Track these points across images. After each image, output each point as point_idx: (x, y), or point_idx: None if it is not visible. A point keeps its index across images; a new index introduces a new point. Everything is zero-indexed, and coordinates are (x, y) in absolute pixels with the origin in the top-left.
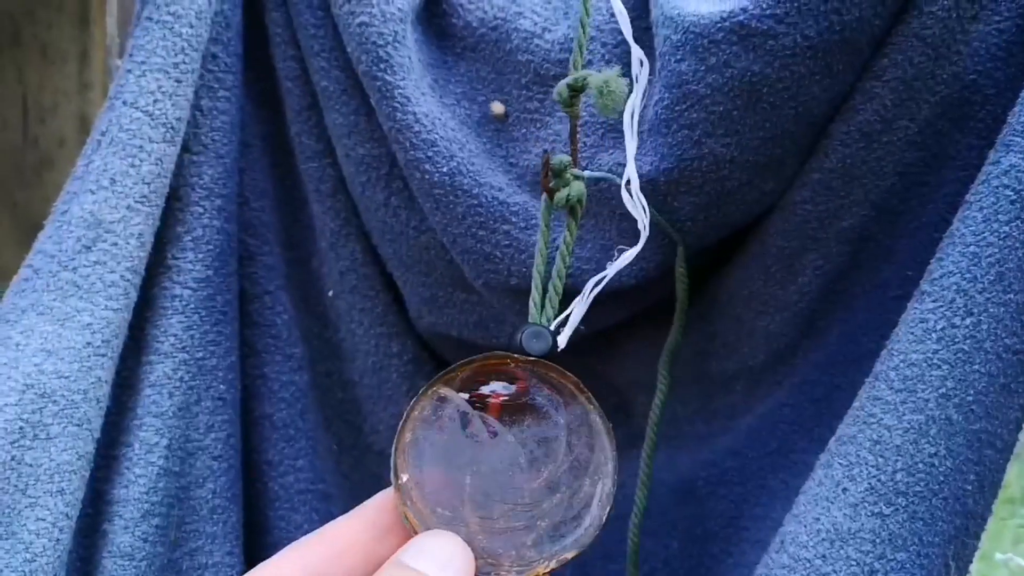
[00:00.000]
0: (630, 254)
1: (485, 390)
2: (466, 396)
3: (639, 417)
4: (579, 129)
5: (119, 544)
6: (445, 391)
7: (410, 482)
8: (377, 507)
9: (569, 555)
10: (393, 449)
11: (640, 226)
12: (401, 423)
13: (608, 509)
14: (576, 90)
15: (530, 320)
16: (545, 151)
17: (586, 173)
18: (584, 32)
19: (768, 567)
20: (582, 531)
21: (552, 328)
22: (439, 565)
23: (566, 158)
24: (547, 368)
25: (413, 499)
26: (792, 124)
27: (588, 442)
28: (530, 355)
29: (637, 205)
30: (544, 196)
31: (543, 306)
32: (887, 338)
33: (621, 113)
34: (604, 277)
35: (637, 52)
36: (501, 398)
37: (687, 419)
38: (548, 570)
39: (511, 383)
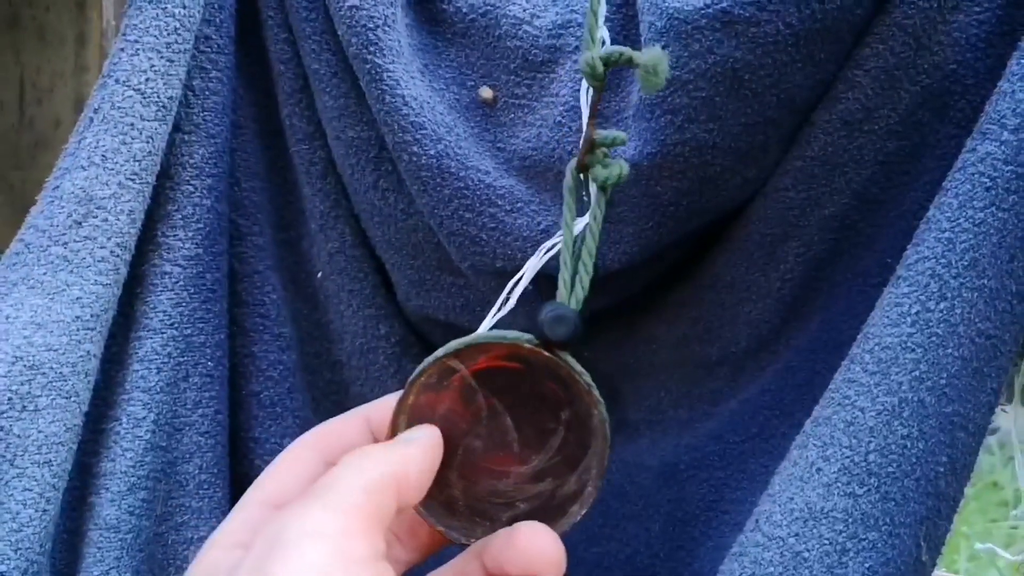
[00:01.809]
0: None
1: (493, 366)
2: (474, 371)
3: (625, 404)
4: (568, 113)
5: (105, 516)
6: (454, 363)
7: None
8: (380, 409)
9: None
10: (397, 405)
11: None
12: (407, 385)
13: (587, 510)
14: (608, 64)
15: (558, 299)
16: (591, 127)
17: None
18: (598, 6)
19: (743, 545)
20: (557, 523)
21: (579, 310)
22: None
23: (618, 134)
24: (559, 362)
25: None
26: (774, 111)
27: (584, 441)
28: (551, 340)
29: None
30: (572, 168)
31: (572, 286)
32: None
33: (663, 94)
34: (546, 252)
35: (602, 32)
36: (512, 377)
37: (671, 404)
38: None
39: (520, 365)
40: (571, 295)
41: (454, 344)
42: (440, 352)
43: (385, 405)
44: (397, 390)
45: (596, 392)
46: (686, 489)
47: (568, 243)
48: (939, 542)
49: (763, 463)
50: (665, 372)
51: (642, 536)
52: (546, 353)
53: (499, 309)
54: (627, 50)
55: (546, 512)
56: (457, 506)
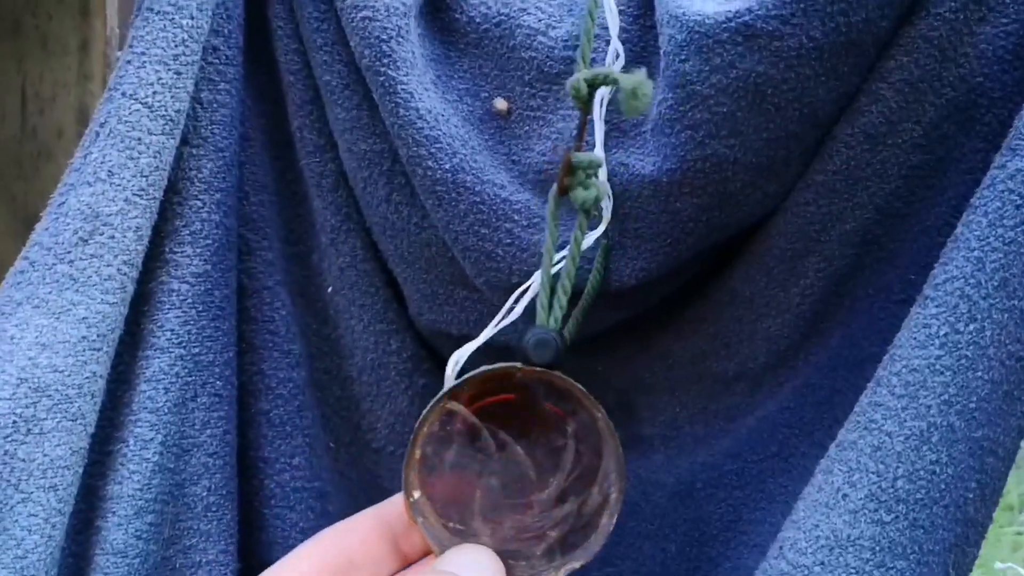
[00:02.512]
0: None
1: (492, 400)
2: (473, 408)
3: (641, 419)
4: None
5: (112, 541)
6: (453, 405)
7: (422, 498)
8: (394, 508)
9: (577, 564)
10: (404, 466)
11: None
12: (411, 439)
13: (615, 517)
14: (594, 86)
15: (537, 323)
16: (567, 148)
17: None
18: (591, 25)
19: (766, 572)
20: (591, 540)
21: (559, 331)
22: (474, 574)
23: (595, 157)
24: (551, 377)
25: (425, 515)
26: (797, 126)
27: (596, 449)
28: (535, 364)
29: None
30: (554, 193)
31: (551, 307)
32: (889, 342)
33: (644, 115)
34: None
35: (615, 45)
36: (509, 408)
37: (686, 420)
38: None
39: (516, 394)
40: (549, 317)
41: (447, 387)
42: (437, 397)
43: (399, 503)
44: (408, 406)
45: (592, 398)
46: (703, 508)
47: (547, 265)
48: (967, 569)
49: (782, 483)
50: (681, 387)
51: (658, 556)
52: (538, 369)
53: (499, 323)
54: (612, 71)
55: (577, 534)
56: None
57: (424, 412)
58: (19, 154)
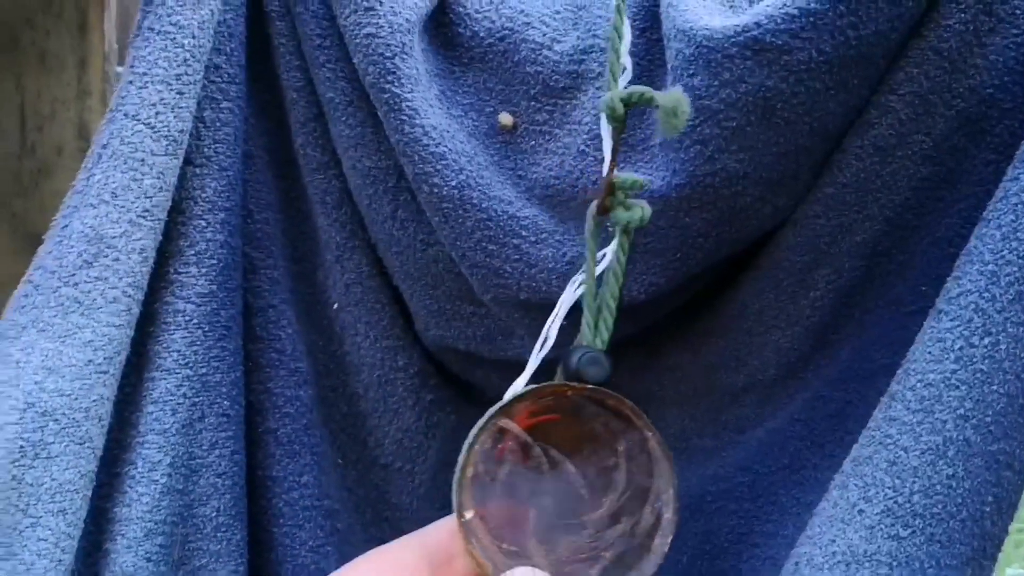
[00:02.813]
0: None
1: (543, 418)
2: (525, 426)
3: None
4: (591, 141)
5: (122, 564)
6: (504, 423)
7: (475, 519)
8: (438, 535)
9: None
10: (455, 485)
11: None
12: (463, 458)
13: (670, 537)
14: (629, 105)
15: (584, 343)
16: (611, 169)
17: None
18: (619, 43)
19: None
20: (646, 560)
21: (606, 351)
22: None
23: (638, 178)
24: (604, 395)
25: (479, 536)
26: (807, 139)
27: (647, 468)
28: (587, 382)
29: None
30: (592, 213)
31: (596, 327)
32: (901, 353)
33: (690, 128)
34: (579, 285)
35: (625, 60)
36: (558, 427)
37: (696, 433)
38: None
39: (566, 413)
40: (596, 336)
41: (499, 404)
42: (488, 415)
43: (442, 528)
44: (415, 421)
45: (645, 416)
46: (714, 521)
47: (591, 287)
48: None
49: (794, 495)
50: (690, 400)
51: (670, 569)
52: (589, 387)
53: (540, 348)
54: (648, 90)
55: (631, 555)
56: None
57: (474, 430)
58: (18, 171)
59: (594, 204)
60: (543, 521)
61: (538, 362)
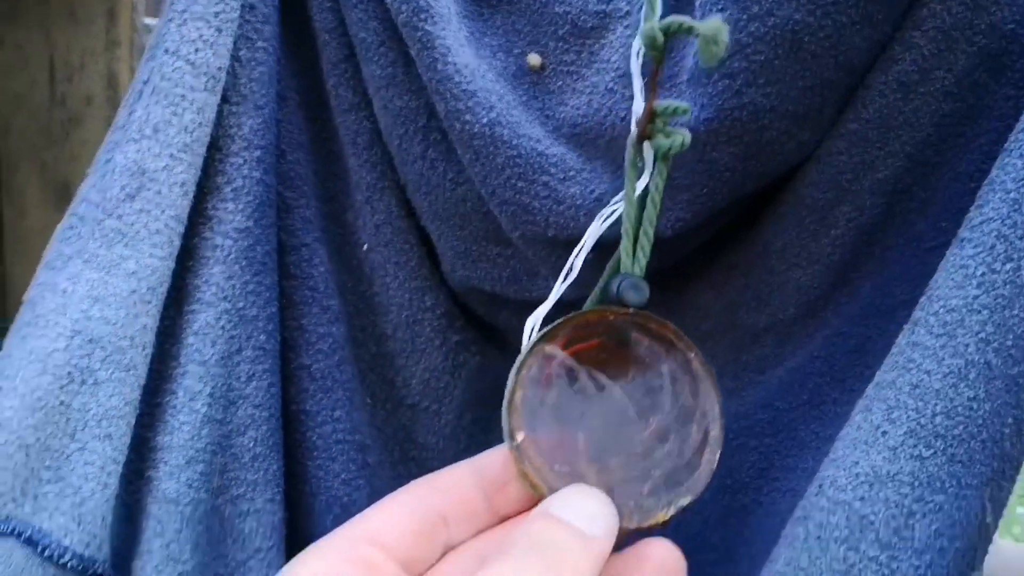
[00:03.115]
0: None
1: (587, 344)
2: (570, 351)
3: None
4: (619, 80)
5: (164, 490)
6: (550, 348)
7: (526, 441)
8: (491, 462)
9: (685, 501)
10: (505, 409)
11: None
12: (511, 383)
13: (719, 452)
14: (669, 34)
15: (623, 270)
16: (652, 97)
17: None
18: None
19: (806, 510)
20: (695, 477)
21: (644, 277)
22: (588, 518)
23: (680, 104)
24: (646, 318)
25: (530, 457)
26: (832, 73)
27: (692, 388)
28: (628, 306)
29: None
30: (633, 140)
31: (635, 254)
32: (921, 289)
33: (720, 62)
34: (605, 219)
35: None
36: (601, 353)
37: (716, 373)
38: (668, 517)
39: (608, 339)
40: (634, 263)
41: (544, 330)
42: (533, 340)
43: (496, 456)
44: (442, 361)
45: (686, 337)
46: (735, 457)
47: (629, 214)
48: (1003, 503)
49: (814, 429)
50: (712, 340)
51: (690, 506)
52: (631, 311)
53: (564, 279)
54: (687, 19)
55: (681, 473)
56: None
57: (520, 356)
58: (49, 122)
59: (634, 132)
60: (593, 443)
61: (561, 291)
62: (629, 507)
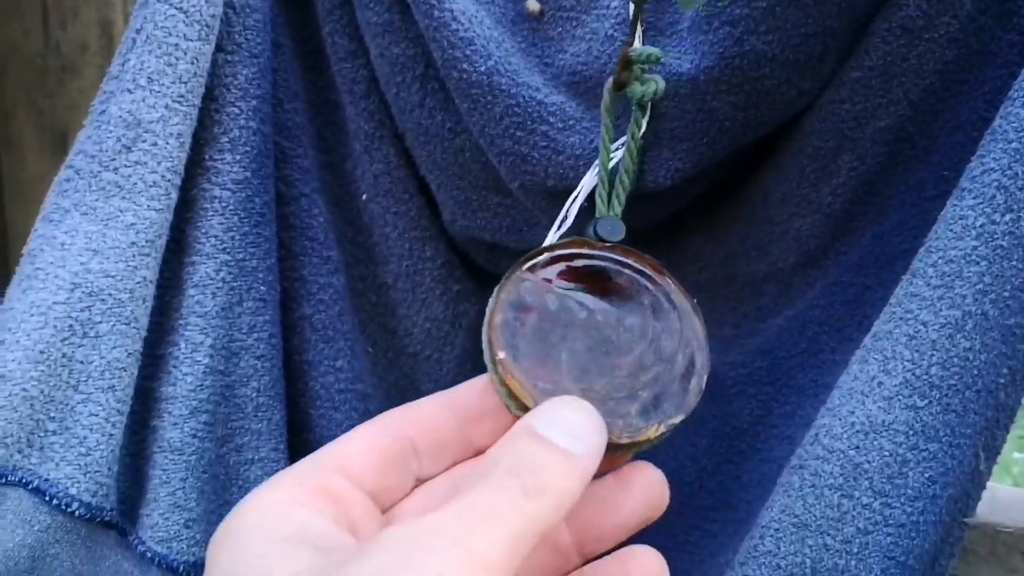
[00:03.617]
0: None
1: (568, 273)
2: (552, 277)
3: None
4: (619, 26)
5: (169, 439)
6: (531, 274)
7: (507, 359)
8: (467, 393)
9: (676, 419)
10: (485, 330)
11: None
12: (491, 306)
13: (705, 376)
14: None
15: (597, 215)
16: (628, 43)
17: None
18: None
19: (802, 458)
20: (685, 397)
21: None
22: (574, 435)
23: (652, 50)
24: (625, 251)
25: (513, 374)
26: (835, 20)
27: (675, 319)
28: (607, 242)
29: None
30: (609, 87)
31: (609, 200)
32: (921, 238)
33: (700, 7)
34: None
35: None
36: (586, 277)
37: (715, 322)
38: (659, 434)
39: (593, 264)
40: (609, 207)
41: (526, 256)
42: (513, 268)
43: (473, 387)
44: (443, 311)
45: (666, 269)
46: (733, 404)
47: (604, 162)
48: (996, 451)
49: (812, 377)
50: (711, 290)
51: (688, 451)
52: (610, 244)
53: (559, 226)
54: None
55: (668, 395)
56: None
57: (501, 281)
58: (44, 69)
59: (610, 79)
60: (577, 363)
61: (555, 238)
62: (618, 425)
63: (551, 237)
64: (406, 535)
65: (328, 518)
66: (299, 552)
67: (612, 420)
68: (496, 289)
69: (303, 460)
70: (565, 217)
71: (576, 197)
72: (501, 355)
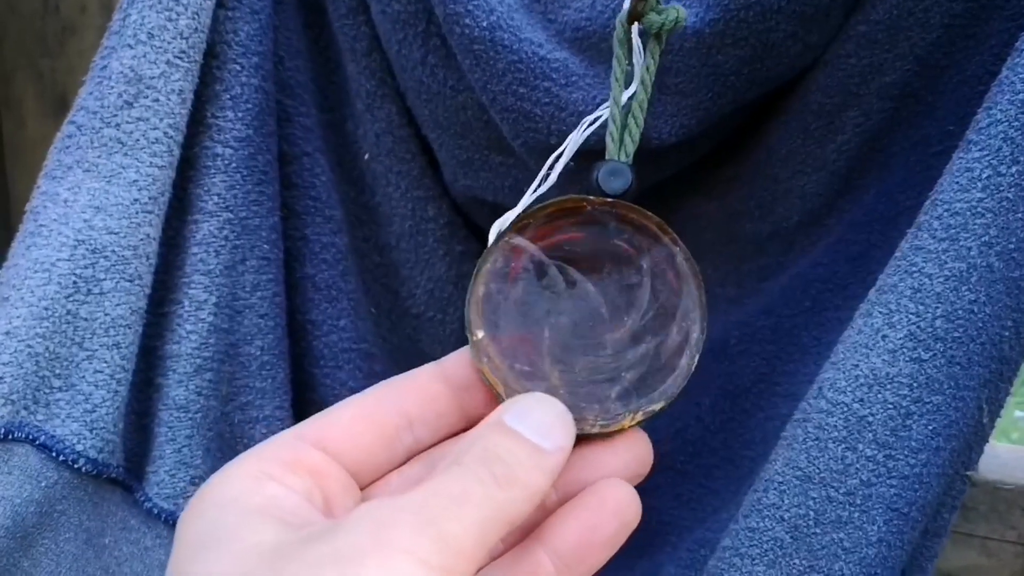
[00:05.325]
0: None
1: (560, 236)
2: (540, 244)
3: None
4: None
5: (174, 397)
6: (517, 240)
7: (485, 338)
8: (456, 362)
9: (656, 407)
10: (466, 304)
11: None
12: (473, 277)
13: (696, 358)
14: None
15: (607, 156)
16: None
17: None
18: None
19: (805, 412)
20: (670, 381)
21: (631, 164)
22: (543, 430)
23: None
24: (627, 209)
25: (490, 355)
26: None
27: (675, 286)
28: (608, 195)
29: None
30: (623, 19)
31: (621, 141)
32: (925, 194)
33: None
34: (591, 123)
35: None
36: (579, 246)
37: (718, 282)
38: (633, 423)
39: (586, 231)
40: (620, 149)
41: (513, 216)
42: (498, 233)
43: (461, 355)
44: (446, 271)
45: (672, 231)
46: (737, 363)
47: (617, 98)
48: (1000, 405)
49: (815, 335)
50: (713, 250)
51: (692, 411)
52: (610, 200)
53: (539, 184)
54: None
55: (654, 376)
56: (559, 397)
57: (487, 248)
58: (43, 30)
59: (624, 10)
60: (558, 341)
61: (532, 198)
62: (593, 411)
63: (526, 199)
64: (377, 513)
65: (300, 494)
66: (266, 525)
67: (588, 405)
68: (480, 258)
69: (285, 432)
70: (547, 174)
71: (561, 154)
72: (479, 335)
